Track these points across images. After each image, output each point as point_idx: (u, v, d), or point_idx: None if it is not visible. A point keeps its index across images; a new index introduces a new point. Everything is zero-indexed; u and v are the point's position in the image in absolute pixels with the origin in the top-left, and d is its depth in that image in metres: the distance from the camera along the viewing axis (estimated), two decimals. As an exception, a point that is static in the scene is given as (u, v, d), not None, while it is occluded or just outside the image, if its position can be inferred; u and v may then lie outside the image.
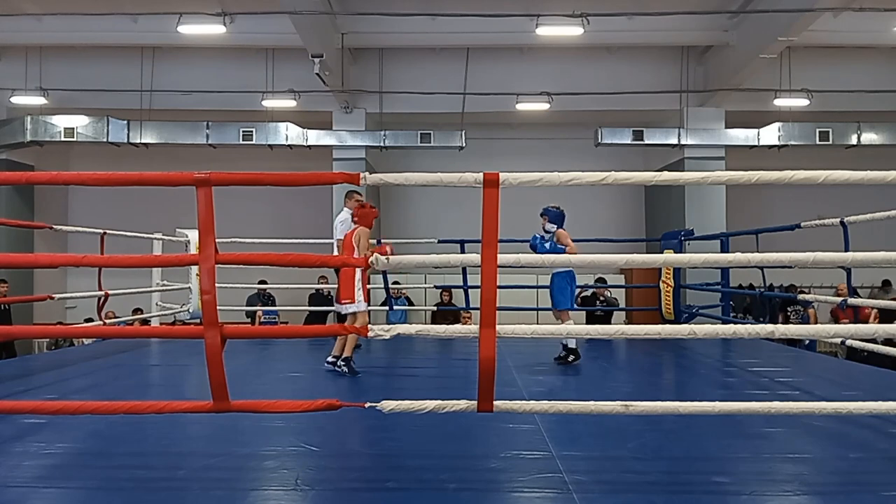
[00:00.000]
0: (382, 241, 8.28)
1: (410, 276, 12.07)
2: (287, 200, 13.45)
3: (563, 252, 5.68)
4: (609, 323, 9.24)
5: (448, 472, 2.98)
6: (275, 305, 10.83)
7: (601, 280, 10.23)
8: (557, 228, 6.02)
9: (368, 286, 6.00)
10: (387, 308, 9.11)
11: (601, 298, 9.82)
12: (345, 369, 5.40)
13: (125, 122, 11.60)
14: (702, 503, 2.68)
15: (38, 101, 11.77)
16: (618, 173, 2.76)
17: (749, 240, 7.50)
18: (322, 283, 10.49)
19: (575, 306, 6.37)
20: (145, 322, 9.33)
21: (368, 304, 5.75)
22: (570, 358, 5.92)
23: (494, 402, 2.75)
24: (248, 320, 10.60)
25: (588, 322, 9.38)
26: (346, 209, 6.40)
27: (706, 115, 12.13)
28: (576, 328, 3.46)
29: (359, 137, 12.07)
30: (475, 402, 2.76)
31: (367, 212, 5.59)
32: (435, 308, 10.22)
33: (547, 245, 5.93)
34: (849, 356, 8.01)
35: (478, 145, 12.38)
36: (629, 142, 11.95)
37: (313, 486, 2.83)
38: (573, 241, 6.01)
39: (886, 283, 12.67)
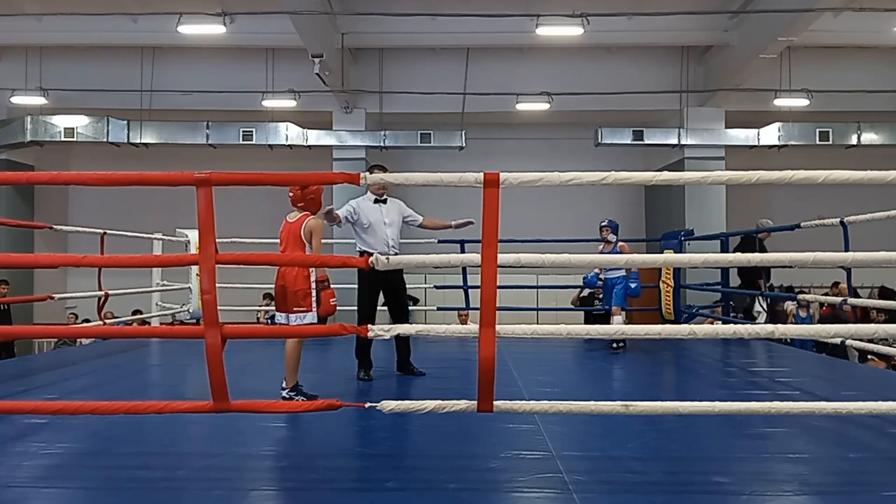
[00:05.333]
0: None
1: (410, 276, 12.04)
2: (287, 200, 13.40)
3: None
4: (608, 323, 9.21)
5: (448, 472, 2.97)
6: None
7: None
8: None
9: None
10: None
11: (599, 297, 9.79)
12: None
13: (125, 122, 11.60)
14: (702, 503, 2.68)
15: (38, 101, 11.77)
16: (618, 173, 2.76)
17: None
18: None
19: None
20: (144, 322, 9.32)
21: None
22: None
23: (494, 402, 2.75)
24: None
25: (586, 322, 9.37)
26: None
27: (706, 115, 12.13)
28: (577, 328, 3.46)
29: (359, 137, 12.06)
30: (475, 402, 2.76)
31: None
32: (435, 308, 10.21)
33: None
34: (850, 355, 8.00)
35: (478, 145, 12.37)
36: (629, 142, 11.95)
37: (313, 486, 2.83)
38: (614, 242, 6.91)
39: (885, 290, 12.57)
